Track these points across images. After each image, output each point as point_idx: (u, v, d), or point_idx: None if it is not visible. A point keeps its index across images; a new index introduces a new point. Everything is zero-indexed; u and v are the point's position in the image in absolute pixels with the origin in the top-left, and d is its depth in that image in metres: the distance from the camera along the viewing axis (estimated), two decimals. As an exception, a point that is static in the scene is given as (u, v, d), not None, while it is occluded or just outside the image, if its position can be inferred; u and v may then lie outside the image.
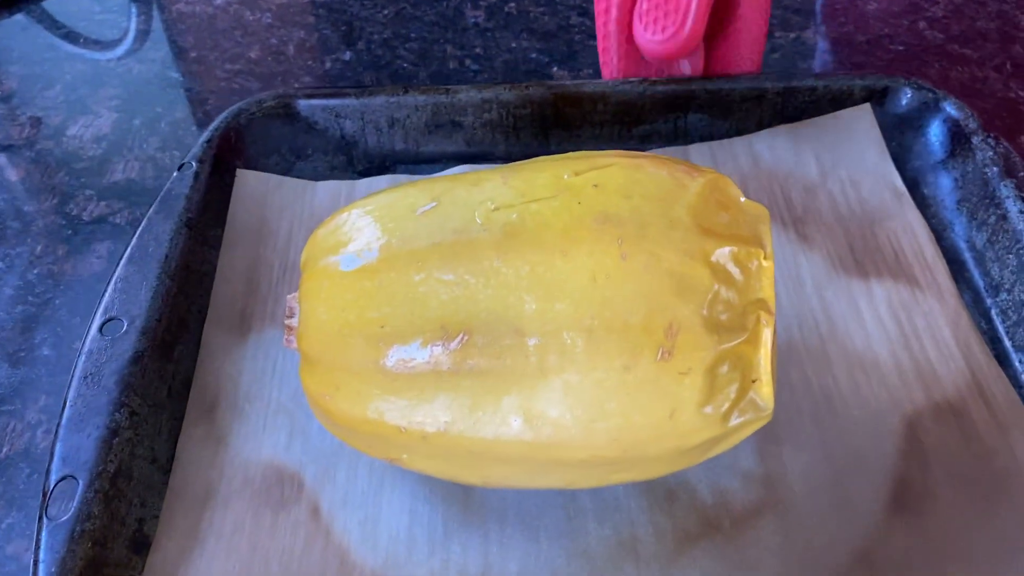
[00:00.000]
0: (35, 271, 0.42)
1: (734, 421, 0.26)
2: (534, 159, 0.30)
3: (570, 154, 0.29)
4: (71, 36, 0.58)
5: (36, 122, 0.51)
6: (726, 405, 0.26)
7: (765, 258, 0.26)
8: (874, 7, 0.57)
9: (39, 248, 0.43)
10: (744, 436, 0.28)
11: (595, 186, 0.27)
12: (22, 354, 0.38)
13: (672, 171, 0.28)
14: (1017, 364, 0.35)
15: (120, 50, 0.56)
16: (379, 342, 0.26)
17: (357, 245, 0.28)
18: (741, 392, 0.26)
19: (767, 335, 0.26)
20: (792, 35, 0.55)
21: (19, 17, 0.60)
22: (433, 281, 0.26)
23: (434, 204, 0.28)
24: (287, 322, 0.30)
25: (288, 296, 0.31)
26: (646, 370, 0.25)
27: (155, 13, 0.60)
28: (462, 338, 0.26)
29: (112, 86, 0.53)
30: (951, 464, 0.32)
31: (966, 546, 0.30)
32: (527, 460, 0.27)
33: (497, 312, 0.26)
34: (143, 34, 0.58)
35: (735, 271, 0.26)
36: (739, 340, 0.26)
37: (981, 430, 0.33)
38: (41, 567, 0.27)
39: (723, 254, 0.26)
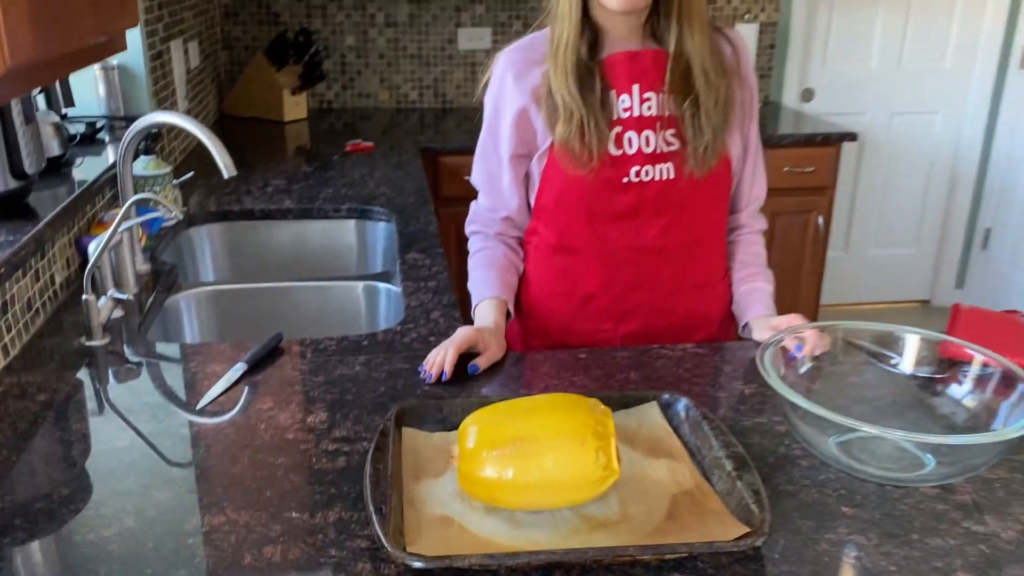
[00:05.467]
0: None
1: (606, 473, 0.83)
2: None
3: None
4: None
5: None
6: (604, 464, 0.83)
7: (614, 434, 0.85)
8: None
9: None
10: (612, 482, 0.84)
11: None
12: None
13: (595, 419, 0.87)
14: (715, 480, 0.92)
15: None
16: (485, 453, 0.83)
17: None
18: (609, 465, 0.83)
19: (613, 446, 0.84)
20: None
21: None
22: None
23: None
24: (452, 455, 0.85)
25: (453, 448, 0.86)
26: (584, 448, 0.82)
27: None
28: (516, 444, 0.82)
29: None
30: (693, 509, 0.87)
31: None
32: (541, 489, 0.82)
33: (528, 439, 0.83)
34: None
35: (606, 431, 0.85)
36: (606, 445, 0.83)
37: (710, 506, 0.89)
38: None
39: (607, 430, 0.85)
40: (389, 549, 0.77)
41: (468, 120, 2.99)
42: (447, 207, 2.57)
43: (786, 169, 2.76)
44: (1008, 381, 0.94)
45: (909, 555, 0.82)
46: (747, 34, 3.11)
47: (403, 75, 3.18)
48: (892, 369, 1.05)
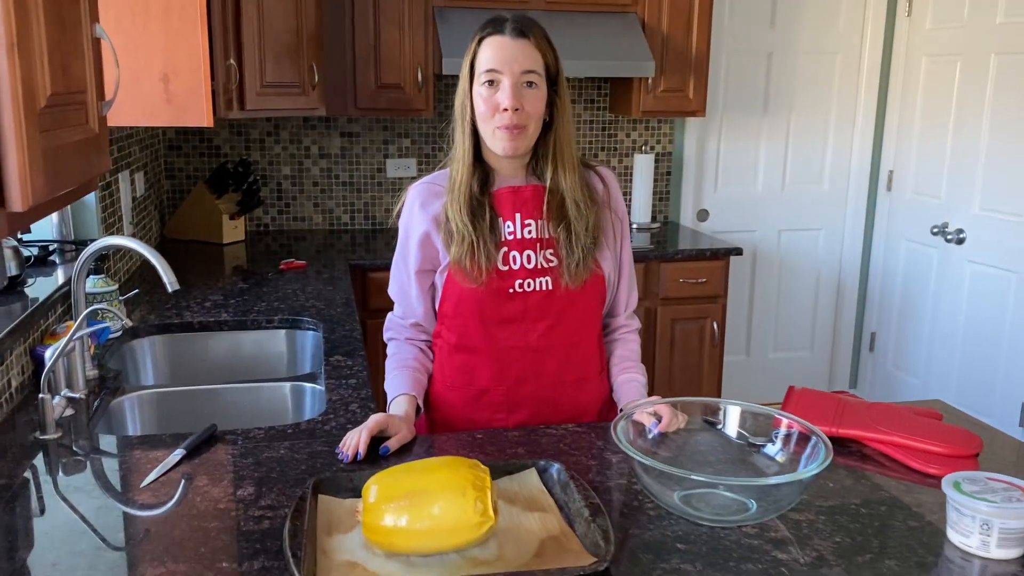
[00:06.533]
0: None
1: (483, 519, 1.03)
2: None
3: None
4: None
5: None
6: (481, 511, 1.03)
7: (490, 487, 1.06)
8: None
9: None
10: (489, 527, 1.03)
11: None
12: None
13: (475, 474, 1.08)
14: (579, 529, 1.12)
15: None
16: (384, 507, 1.02)
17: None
18: (486, 512, 1.04)
19: (489, 496, 1.04)
20: (516, 459, 1.39)
21: None
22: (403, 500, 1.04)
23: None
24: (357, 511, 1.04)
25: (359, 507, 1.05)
26: (465, 498, 1.02)
27: None
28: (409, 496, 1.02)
29: None
30: (556, 549, 1.07)
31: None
32: (430, 533, 1.02)
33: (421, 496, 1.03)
34: None
35: (483, 484, 1.05)
36: (483, 495, 1.04)
37: (571, 547, 1.09)
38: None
39: (484, 484, 1.05)
40: (303, 584, 0.96)
41: (395, 240, 3.24)
42: (375, 318, 2.79)
43: (681, 280, 3.08)
44: (804, 438, 1.18)
45: None
46: (645, 163, 3.48)
47: (335, 200, 3.45)
48: (725, 435, 1.28)
